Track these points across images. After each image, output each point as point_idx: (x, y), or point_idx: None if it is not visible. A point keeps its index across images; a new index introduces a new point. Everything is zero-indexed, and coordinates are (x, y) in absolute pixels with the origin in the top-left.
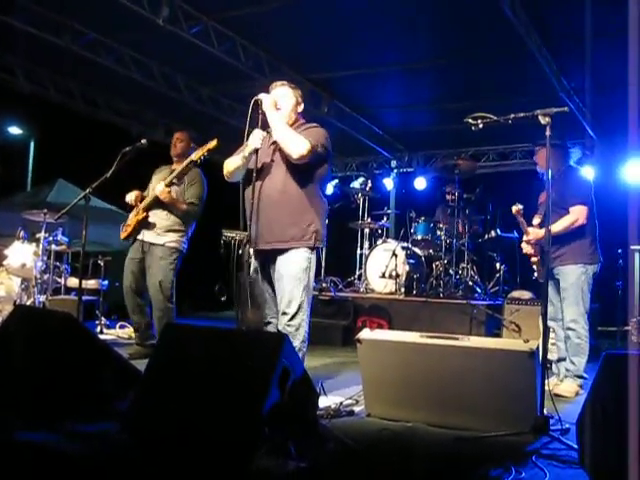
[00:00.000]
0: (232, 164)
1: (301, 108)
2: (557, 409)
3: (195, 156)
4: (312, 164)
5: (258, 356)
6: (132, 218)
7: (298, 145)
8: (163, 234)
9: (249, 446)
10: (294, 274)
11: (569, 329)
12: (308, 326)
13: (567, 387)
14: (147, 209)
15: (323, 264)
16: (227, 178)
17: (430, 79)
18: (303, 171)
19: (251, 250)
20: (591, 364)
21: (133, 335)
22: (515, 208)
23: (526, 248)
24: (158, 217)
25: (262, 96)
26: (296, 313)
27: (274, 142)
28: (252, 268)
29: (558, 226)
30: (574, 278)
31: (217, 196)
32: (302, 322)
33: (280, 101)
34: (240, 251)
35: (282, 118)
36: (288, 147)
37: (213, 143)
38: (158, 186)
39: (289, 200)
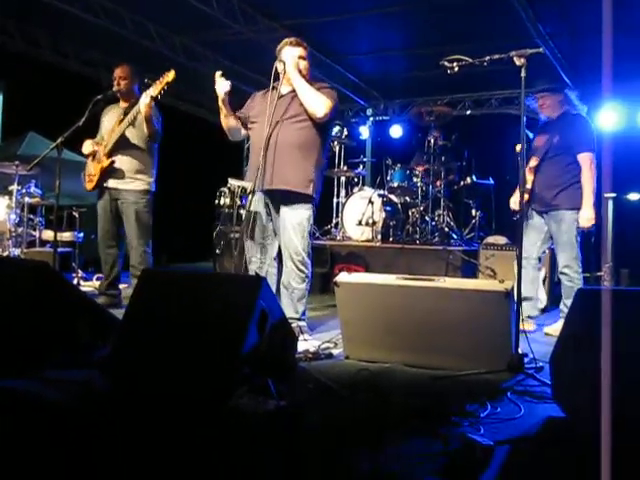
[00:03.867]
0: (225, 126)
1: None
2: (532, 348)
3: (154, 92)
4: (328, 121)
5: (236, 298)
6: (95, 166)
7: (322, 104)
8: (132, 179)
9: (228, 385)
10: (299, 222)
11: (562, 274)
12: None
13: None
14: (110, 155)
15: None
16: (231, 138)
17: (405, 25)
18: (315, 126)
19: (256, 197)
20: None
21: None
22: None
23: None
24: (123, 162)
25: (285, 58)
26: (302, 257)
27: (281, 96)
28: (251, 210)
29: (588, 185)
30: (569, 223)
31: (195, 147)
32: (308, 265)
33: (300, 63)
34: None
35: (303, 79)
36: (313, 106)
37: (171, 75)
38: (143, 99)
39: (299, 150)
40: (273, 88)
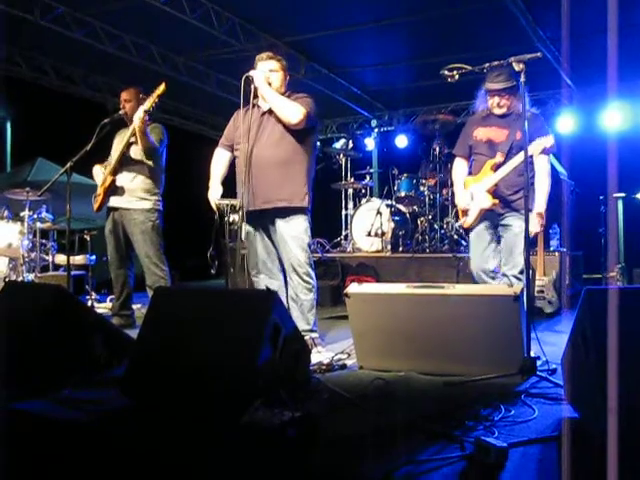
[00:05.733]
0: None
1: (287, 79)
2: (544, 350)
3: (147, 105)
4: (307, 130)
5: (249, 313)
6: (100, 187)
7: (295, 111)
8: (136, 198)
9: (244, 400)
10: (297, 235)
11: (518, 278)
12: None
13: None
14: (113, 173)
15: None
16: None
17: (405, 36)
18: (298, 138)
19: (243, 215)
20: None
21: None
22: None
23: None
24: (125, 181)
25: (253, 73)
26: (306, 269)
27: (264, 113)
28: (245, 232)
29: (545, 185)
30: (524, 226)
31: (201, 166)
32: (312, 275)
33: (271, 76)
34: (232, 217)
35: (274, 91)
36: (285, 114)
37: (161, 88)
38: (137, 114)
39: (287, 165)
40: (253, 106)
